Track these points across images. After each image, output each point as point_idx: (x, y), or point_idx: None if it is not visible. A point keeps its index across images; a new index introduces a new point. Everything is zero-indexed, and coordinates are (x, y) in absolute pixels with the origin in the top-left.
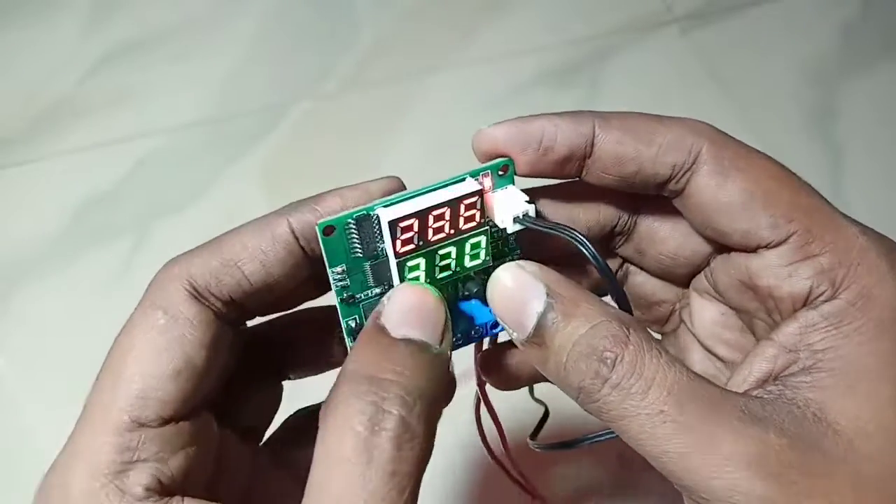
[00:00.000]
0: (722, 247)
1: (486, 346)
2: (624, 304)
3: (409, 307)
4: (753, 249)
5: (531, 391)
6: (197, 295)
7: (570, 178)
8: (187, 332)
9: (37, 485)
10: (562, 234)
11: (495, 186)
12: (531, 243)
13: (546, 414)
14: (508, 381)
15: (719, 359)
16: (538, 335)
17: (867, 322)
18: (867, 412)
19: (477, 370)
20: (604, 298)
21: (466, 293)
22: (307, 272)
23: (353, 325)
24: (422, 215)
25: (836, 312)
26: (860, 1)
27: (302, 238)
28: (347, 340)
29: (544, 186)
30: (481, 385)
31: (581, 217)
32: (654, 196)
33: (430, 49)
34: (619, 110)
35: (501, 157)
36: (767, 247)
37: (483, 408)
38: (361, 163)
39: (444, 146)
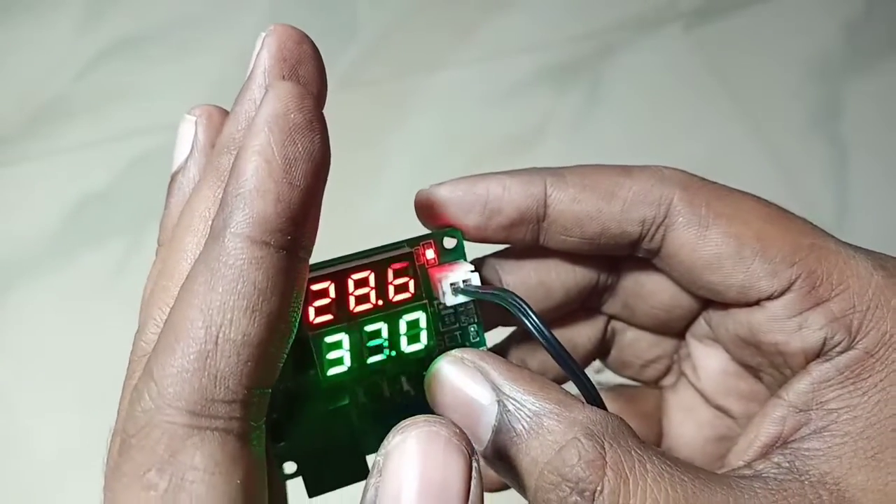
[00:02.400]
0: (717, 302)
1: None
2: (588, 391)
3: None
4: (754, 302)
5: None
6: None
7: (526, 245)
8: None
9: (32, 484)
10: (499, 303)
11: (441, 259)
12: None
13: None
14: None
15: (730, 416)
16: (497, 451)
17: (889, 375)
18: (894, 489)
19: None
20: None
21: (408, 389)
22: None
23: (274, 419)
24: (339, 278)
25: (853, 365)
26: None
27: None
28: (273, 446)
29: (509, 248)
30: None
31: (554, 278)
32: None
33: (429, 47)
34: (620, 109)
35: (447, 224)
36: (770, 298)
37: None
38: (361, 161)
39: (444, 145)
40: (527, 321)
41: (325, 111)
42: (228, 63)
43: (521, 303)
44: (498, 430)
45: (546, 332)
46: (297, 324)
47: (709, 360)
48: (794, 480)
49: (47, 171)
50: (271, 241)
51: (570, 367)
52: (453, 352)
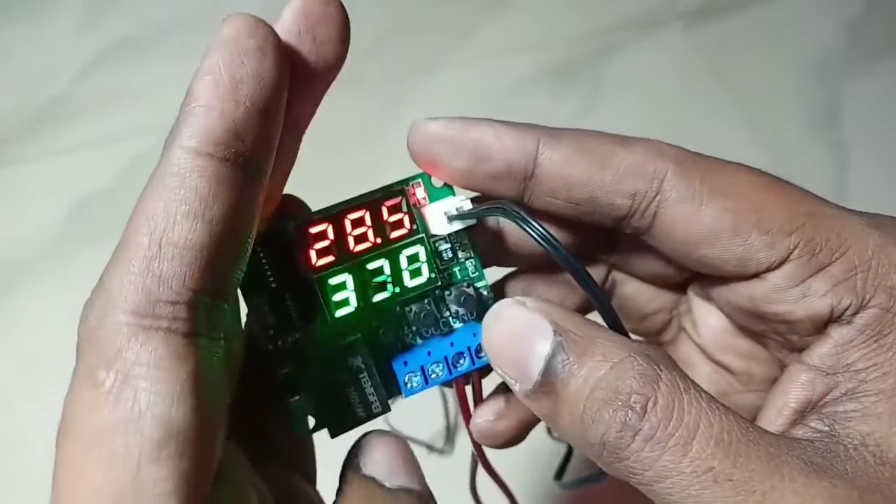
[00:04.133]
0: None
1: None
2: (609, 315)
3: (391, 454)
4: (752, 275)
5: (549, 430)
6: None
7: (509, 199)
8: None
9: (34, 484)
10: (498, 214)
11: (431, 198)
12: (496, 253)
13: (570, 449)
14: (515, 438)
15: (729, 371)
16: (546, 382)
17: None
18: None
19: (471, 432)
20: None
21: (416, 326)
22: None
23: (286, 373)
24: (336, 219)
25: (873, 323)
26: None
27: None
28: (289, 401)
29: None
30: (478, 447)
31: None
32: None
33: (429, 47)
34: (619, 110)
35: (434, 161)
36: (769, 269)
37: (479, 476)
38: (360, 162)
39: None
40: (528, 229)
41: (323, 112)
42: None
43: (519, 211)
44: (551, 358)
45: (550, 238)
46: (250, 240)
47: (710, 317)
48: (837, 444)
49: (48, 172)
50: (215, 153)
51: (583, 278)
52: (515, 297)
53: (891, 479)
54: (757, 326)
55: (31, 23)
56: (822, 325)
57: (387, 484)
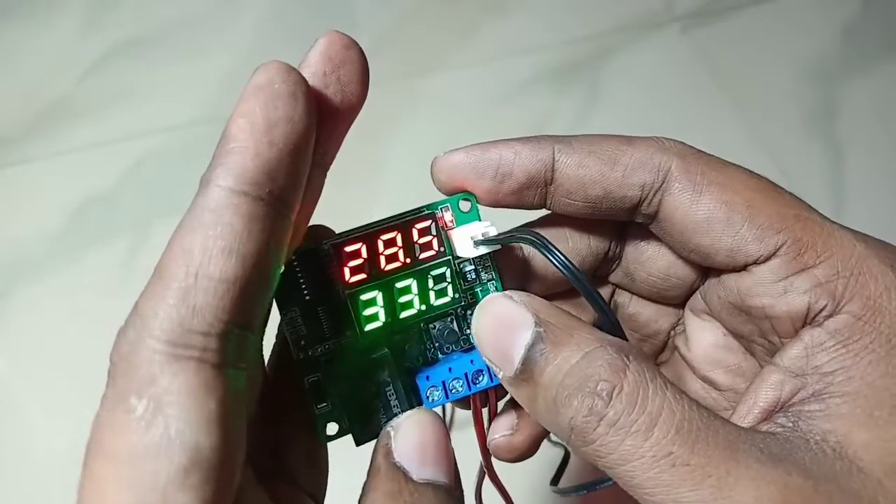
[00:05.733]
0: (709, 269)
1: (484, 418)
2: (612, 324)
3: (424, 441)
4: (741, 267)
5: (548, 435)
6: None
7: (534, 209)
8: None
9: (34, 483)
10: (521, 241)
11: (458, 222)
12: (521, 279)
13: (567, 456)
14: (528, 450)
15: (716, 388)
16: (526, 370)
17: (878, 337)
18: (894, 445)
19: (482, 448)
20: None
21: (439, 343)
22: None
23: (315, 381)
24: (369, 239)
25: (843, 328)
26: (861, 0)
27: None
28: (315, 408)
29: (530, 221)
30: (487, 458)
31: (570, 247)
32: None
33: (429, 49)
34: (618, 110)
35: (461, 189)
36: (756, 262)
37: (485, 487)
38: (361, 163)
39: (445, 145)
40: (550, 256)
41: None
42: (231, 64)
43: (542, 238)
44: (531, 347)
45: (570, 265)
46: (277, 274)
47: (702, 333)
48: (798, 437)
49: (51, 172)
50: (249, 191)
51: (595, 299)
52: (504, 291)
53: (848, 474)
54: (745, 326)
55: (34, 24)
56: (800, 325)
57: (414, 476)
